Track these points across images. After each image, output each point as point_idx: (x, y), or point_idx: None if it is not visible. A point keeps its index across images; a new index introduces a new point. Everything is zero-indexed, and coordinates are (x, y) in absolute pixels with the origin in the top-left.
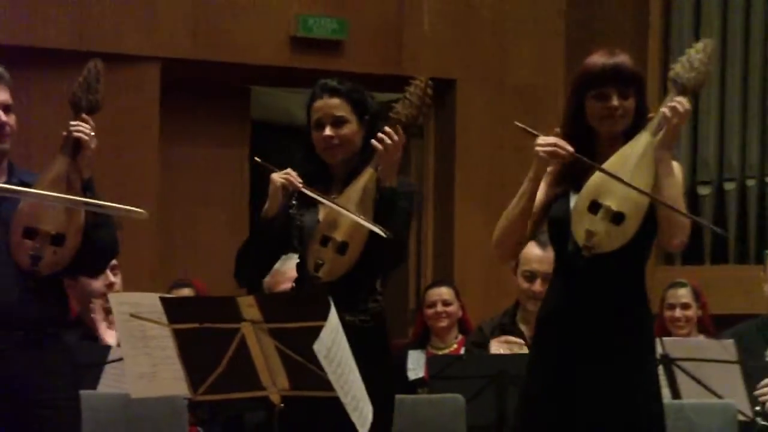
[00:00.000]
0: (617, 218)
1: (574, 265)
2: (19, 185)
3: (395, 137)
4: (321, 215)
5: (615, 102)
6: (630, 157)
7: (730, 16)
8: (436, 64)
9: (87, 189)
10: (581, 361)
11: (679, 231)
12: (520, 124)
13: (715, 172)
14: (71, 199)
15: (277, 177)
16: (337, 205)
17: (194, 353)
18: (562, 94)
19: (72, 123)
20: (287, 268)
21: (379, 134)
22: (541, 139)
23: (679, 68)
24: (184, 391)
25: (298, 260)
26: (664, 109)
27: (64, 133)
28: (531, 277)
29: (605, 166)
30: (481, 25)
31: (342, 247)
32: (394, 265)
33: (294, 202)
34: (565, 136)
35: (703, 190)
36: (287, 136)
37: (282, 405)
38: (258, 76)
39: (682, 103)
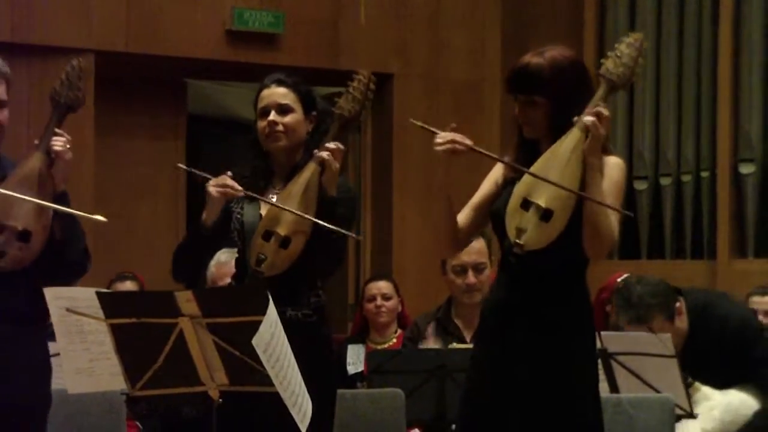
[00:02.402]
0: (546, 215)
1: (508, 260)
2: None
3: (339, 149)
4: (263, 210)
5: (516, 111)
6: (559, 154)
7: (665, 11)
8: (373, 58)
9: (59, 201)
10: (516, 354)
11: (599, 240)
12: (417, 122)
13: (651, 167)
14: (33, 201)
15: (214, 190)
16: (282, 204)
17: (132, 348)
18: (498, 88)
19: (57, 133)
20: (231, 260)
21: (328, 145)
22: (439, 137)
23: (609, 64)
24: (122, 386)
25: (236, 255)
26: (588, 118)
27: (36, 142)
28: (462, 270)
29: (537, 162)
30: (418, 19)
31: (285, 242)
32: (332, 267)
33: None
34: (518, 137)
35: (640, 186)
36: (223, 129)
37: (220, 400)
38: (194, 70)
39: (600, 111)
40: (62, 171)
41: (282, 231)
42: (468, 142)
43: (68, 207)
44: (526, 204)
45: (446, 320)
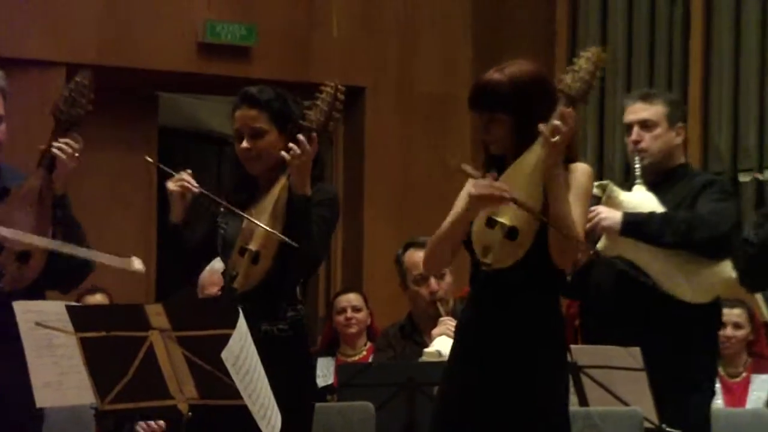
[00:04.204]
0: (511, 234)
1: (478, 277)
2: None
3: (304, 146)
4: (244, 224)
5: (483, 132)
6: (523, 170)
7: (636, 24)
8: (345, 72)
9: (59, 206)
10: (486, 369)
11: (566, 252)
12: (464, 167)
13: (620, 176)
14: (62, 246)
15: (172, 185)
16: (255, 219)
17: (101, 362)
18: None
19: (61, 140)
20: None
21: (290, 144)
22: (478, 186)
23: (567, 79)
24: (91, 399)
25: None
26: (543, 128)
27: (42, 147)
28: (423, 279)
29: (500, 179)
30: (390, 33)
31: (255, 257)
32: (306, 274)
33: (222, 209)
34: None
35: None
36: (195, 142)
37: (190, 414)
38: (165, 82)
39: (565, 119)
40: (63, 176)
41: (253, 246)
42: (507, 195)
43: (68, 208)
44: (491, 222)
45: (411, 328)
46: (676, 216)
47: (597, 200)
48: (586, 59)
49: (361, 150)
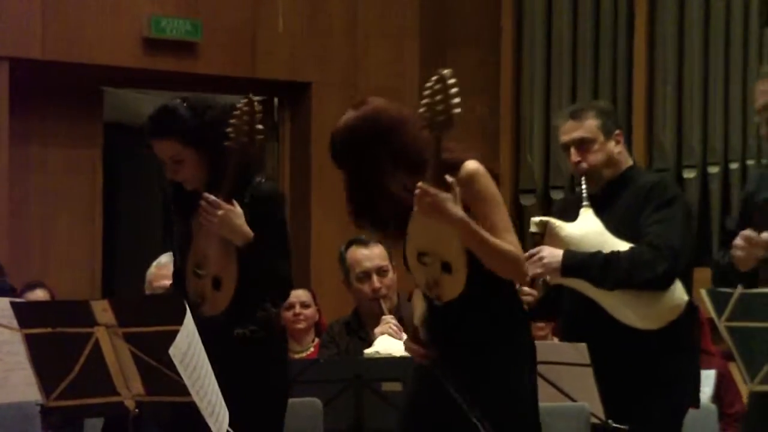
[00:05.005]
0: (446, 268)
1: (431, 303)
2: None
3: (205, 206)
4: (194, 226)
5: None
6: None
7: (581, 23)
8: (291, 67)
9: None
10: (446, 371)
11: (508, 270)
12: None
13: (568, 183)
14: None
15: None
16: (204, 237)
17: (47, 358)
18: (416, 97)
19: None
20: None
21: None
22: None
23: (426, 113)
24: (36, 396)
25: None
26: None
27: None
28: (365, 276)
29: (412, 222)
30: (336, 28)
31: (216, 282)
32: (285, 293)
33: (173, 208)
34: None
35: (557, 195)
36: (140, 137)
37: (137, 410)
38: (110, 78)
39: (428, 194)
40: None
41: (212, 270)
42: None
43: None
44: (421, 257)
45: (356, 324)
46: (618, 258)
47: (540, 237)
48: (432, 89)
49: (307, 146)
